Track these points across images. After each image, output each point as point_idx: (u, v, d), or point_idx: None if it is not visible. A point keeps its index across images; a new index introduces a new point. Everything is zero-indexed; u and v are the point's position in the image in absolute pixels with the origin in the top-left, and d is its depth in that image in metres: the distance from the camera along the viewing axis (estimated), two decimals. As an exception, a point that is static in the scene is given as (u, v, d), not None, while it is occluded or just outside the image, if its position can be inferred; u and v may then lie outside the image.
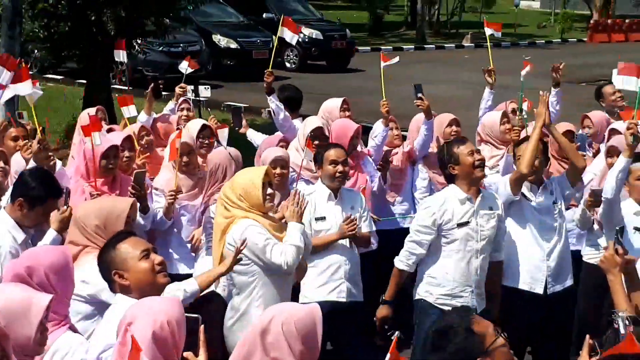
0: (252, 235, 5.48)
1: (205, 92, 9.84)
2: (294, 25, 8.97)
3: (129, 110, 8.57)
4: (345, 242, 6.61)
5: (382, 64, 8.92)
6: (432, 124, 8.01)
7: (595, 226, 7.03)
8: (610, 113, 8.93)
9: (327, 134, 7.60)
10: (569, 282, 6.80)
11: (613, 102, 9.09)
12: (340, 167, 6.59)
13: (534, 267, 6.62)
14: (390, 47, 33.11)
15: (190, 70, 9.43)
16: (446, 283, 6.28)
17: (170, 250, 6.97)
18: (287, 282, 5.75)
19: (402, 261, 6.35)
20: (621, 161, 6.42)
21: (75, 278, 4.53)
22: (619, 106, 8.97)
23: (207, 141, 7.60)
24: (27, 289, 3.97)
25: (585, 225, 7.03)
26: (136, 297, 4.19)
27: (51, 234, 5.72)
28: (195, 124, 7.69)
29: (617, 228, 5.09)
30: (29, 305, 3.81)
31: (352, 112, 8.46)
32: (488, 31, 9.63)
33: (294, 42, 9.12)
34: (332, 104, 8.42)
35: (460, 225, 6.20)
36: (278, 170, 6.90)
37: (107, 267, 4.37)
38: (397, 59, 8.99)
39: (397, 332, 4.05)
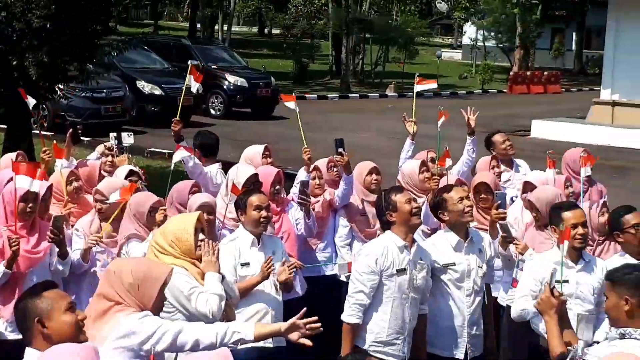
0: (178, 282, 5.40)
1: (128, 139, 9.72)
2: (197, 73, 8.96)
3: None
4: (271, 288, 6.59)
5: (288, 104, 9.08)
6: (351, 179, 8.02)
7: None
8: (502, 161, 9.19)
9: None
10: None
11: (504, 150, 9.31)
12: (264, 213, 6.58)
13: (455, 334, 6.58)
14: (315, 96, 33.41)
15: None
16: (380, 330, 6.27)
17: (82, 296, 6.84)
18: None
19: (351, 315, 6.24)
20: None
21: (117, 333, 4.53)
22: (510, 154, 9.31)
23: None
24: None
25: (509, 265, 7.08)
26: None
27: None
28: (123, 170, 7.69)
29: (552, 270, 5.16)
30: None
31: (273, 158, 8.49)
32: (417, 87, 9.74)
33: (195, 91, 9.08)
34: (254, 150, 8.46)
35: (399, 271, 6.21)
36: (205, 217, 6.87)
37: (29, 315, 4.24)
38: (294, 104, 9.10)
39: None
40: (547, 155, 8.34)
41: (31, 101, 9.30)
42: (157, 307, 4.89)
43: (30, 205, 6.55)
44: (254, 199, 6.63)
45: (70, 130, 9.18)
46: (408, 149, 9.16)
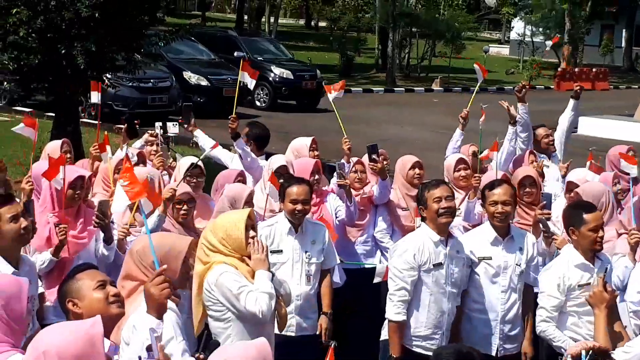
0: (227, 281, 5.38)
1: (173, 128, 9.76)
2: (252, 69, 8.93)
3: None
4: (300, 279, 6.64)
5: (329, 95, 9.10)
6: (386, 183, 8.00)
7: None
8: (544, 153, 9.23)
9: (291, 172, 7.65)
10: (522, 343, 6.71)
11: (546, 144, 9.35)
12: (299, 206, 6.60)
13: (488, 329, 6.57)
14: (361, 89, 33.35)
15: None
16: (418, 325, 6.28)
17: None
18: (266, 331, 5.45)
19: (397, 313, 6.22)
20: None
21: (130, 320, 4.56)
22: (552, 151, 9.34)
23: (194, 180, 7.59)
24: None
25: (548, 258, 7.03)
26: None
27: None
28: (185, 162, 7.72)
29: (608, 266, 5.17)
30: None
31: (319, 151, 8.51)
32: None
33: (251, 87, 9.08)
34: (301, 143, 8.49)
35: (436, 266, 6.22)
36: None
37: (63, 296, 4.36)
38: (342, 92, 9.17)
39: (333, 342, 4.10)
40: (589, 151, 8.30)
41: (93, 95, 9.29)
42: (183, 279, 4.99)
43: (78, 192, 6.66)
44: (292, 191, 6.65)
45: (126, 124, 9.23)
46: (457, 139, 9.22)
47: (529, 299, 6.72)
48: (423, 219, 6.43)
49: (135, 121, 9.54)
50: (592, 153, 8.28)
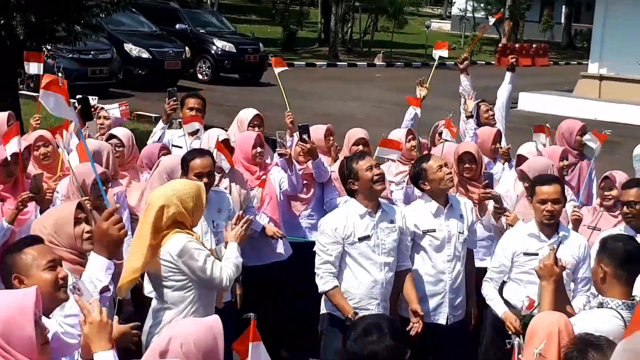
0: (192, 250, 5.40)
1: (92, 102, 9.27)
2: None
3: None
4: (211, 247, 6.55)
5: (275, 69, 9.13)
6: (318, 163, 7.95)
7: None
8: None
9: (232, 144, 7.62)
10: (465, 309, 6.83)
11: (486, 119, 9.44)
12: (205, 179, 6.40)
13: (437, 299, 6.64)
14: (303, 63, 33.32)
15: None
16: (352, 297, 6.29)
17: None
18: (213, 298, 5.68)
19: (325, 282, 6.25)
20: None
21: None
22: (492, 124, 9.37)
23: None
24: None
25: (500, 236, 7.10)
26: None
27: None
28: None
29: (559, 237, 5.24)
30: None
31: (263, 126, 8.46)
32: (436, 53, 9.85)
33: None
34: (245, 115, 8.42)
35: (361, 239, 6.23)
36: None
37: (8, 270, 4.17)
38: (286, 67, 9.28)
39: (252, 314, 4.10)
40: (545, 126, 8.45)
41: (32, 66, 9.09)
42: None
43: (12, 168, 6.62)
44: (196, 164, 6.49)
45: (79, 106, 8.69)
46: (411, 114, 9.26)
47: (471, 263, 6.87)
48: (350, 193, 6.41)
49: (93, 102, 8.84)
50: (546, 128, 8.39)
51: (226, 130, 8.25)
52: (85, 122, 8.52)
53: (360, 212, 6.28)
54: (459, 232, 6.61)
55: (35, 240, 4.36)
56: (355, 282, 6.29)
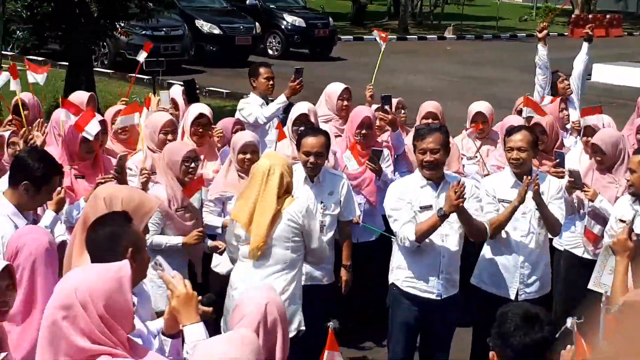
0: (312, 213, 6.13)
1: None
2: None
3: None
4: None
5: (381, 43, 9.13)
6: (398, 134, 7.99)
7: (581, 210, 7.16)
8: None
9: (312, 120, 7.63)
10: (545, 290, 6.76)
11: (562, 89, 9.50)
12: (311, 158, 6.60)
13: (507, 273, 6.62)
14: (373, 37, 33.18)
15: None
16: (412, 267, 6.30)
17: None
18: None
19: (410, 233, 6.15)
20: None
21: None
22: (568, 94, 9.49)
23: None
24: None
25: (570, 210, 7.08)
26: None
27: (50, 214, 5.84)
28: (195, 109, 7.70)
29: (635, 213, 5.21)
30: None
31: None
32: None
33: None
34: (333, 89, 8.47)
35: (422, 208, 6.20)
36: (248, 156, 6.99)
37: (121, 240, 4.06)
38: (380, 40, 9.24)
39: (331, 323, 4.13)
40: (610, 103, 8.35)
41: (142, 55, 9.22)
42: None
43: (90, 144, 6.71)
44: (306, 142, 6.62)
45: (184, 88, 8.83)
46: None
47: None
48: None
49: (197, 84, 9.00)
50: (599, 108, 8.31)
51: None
52: (190, 102, 8.56)
53: (421, 183, 6.28)
54: (536, 209, 6.53)
55: (130, 217, 4.30)
56: (416, 252, 6.25)
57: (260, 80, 8.81)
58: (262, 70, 8.90)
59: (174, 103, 8.44)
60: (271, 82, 8.82)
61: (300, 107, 7.72)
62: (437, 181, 6.25)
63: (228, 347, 3.29)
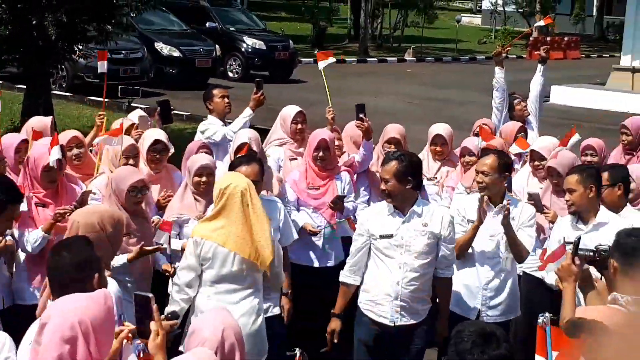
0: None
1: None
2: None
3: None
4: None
5: (320, 64, 9.05)
6: (371, 145, 8.03)
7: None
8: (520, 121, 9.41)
9: (254, 148, 7.44)
10: (510, 314, 6.75)
11: (520, 111, 9.63)
12: (204, 178, 6.72)
13: (470, 294, 6.65)
14: (334, 59, 33.26)
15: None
16: (371, 289, 6.32)
17: None
18: None
19: (344, 277, 6.43)
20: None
21: None
22: (525, 116, 9.61)
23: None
24: None
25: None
26: None
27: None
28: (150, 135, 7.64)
29: (575, 238, 5.18)
30: None
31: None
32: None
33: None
34: (286, 112, 8.39)
35: (382, 237, 6.20)
36: (204, 179, 6.94)
37: (89, 268, 4.17)
38: (333, 59, 9.15)
39: (297, 350, 4.12)
40: (572, 125, 8.39)
41: (101, 65, 9.05)
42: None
43: (52, 173, 6.57)
44: (241, 171, 6.35)
45: (159, 108, 8.83)
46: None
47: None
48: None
49: (172, 107, 9.01)
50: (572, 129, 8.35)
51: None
52: (164, 124, 8.64)
53: (388, 211, 6.27)
54: (503, 233, 6.55)
55: (89, 240, 4.42)
56: (375, 276, 6.32)
57: (216, 101, 8.73)
58: (215, 91, 8.84)
59: (134, 127, 8.33)
60: (227, 100, 8.75)
61: (241, 136, 7.54)
62: (402, 210, 6.24)
63: None
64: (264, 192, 6.92)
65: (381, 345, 6.39)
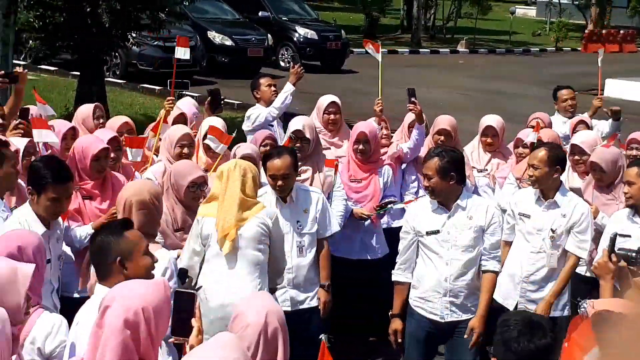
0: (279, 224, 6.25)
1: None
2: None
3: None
4: (292, 249, 6.54)
5: (375, 54, 9.05)
6: (423, 129, 8.02)
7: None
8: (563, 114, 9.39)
9: (307, 135, 7.49)
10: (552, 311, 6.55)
11: (563, 106, 9.50)
12: (279, 182, 6.45)
13: (511, 284, 6.59)
14: (386, 50, 33.14)
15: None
16: (419, 286, 6.33)
17: None
18: None
19: (395, 275, 6.45)
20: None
21: None
22: (570, 112, 9.41)
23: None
24: (11, 261, 4.05)
25: None
26: None
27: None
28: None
29: (611, 235, 5.12)
30: (15, 274, 3.91)
31: (342, 112, 8.45)
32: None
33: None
34: (320, 102, 8.45)
35: (428, 233, 6.20)
36: (185, 150, 7.16)
37: (110, 253, 4.27)
38: (379, 55, 9.19)
39: (324, 336, 4.11)
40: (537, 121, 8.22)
41: (181, 51, 8.80)
42: None
43: (103, 163, 6.49)
44: (272, 165, 6.46)
45: (209, 97, 8.92)
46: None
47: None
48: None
49: (222, 96, 9.06)
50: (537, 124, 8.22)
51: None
52: (214, 112, 8.67)
53: (433, 206, 6.27)
54: (551, 229, 6.47)
55: (130, 224, 4.51)
56: (424, 273, 6.36)
57: (263, 89, 8.84)
58: (262, 80, 8.96)
59: (182, 116, 8.34)
60: (273, 89, 8.84)
61: (296, 123, 7.59)
62: (447, 205, 6.22)
63: (222, 351, 3.28)
64: (301, 183, 7.01)
65: (433, 341, 6.40)
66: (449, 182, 6.12)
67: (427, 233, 6.21)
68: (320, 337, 4.16)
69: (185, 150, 7.25)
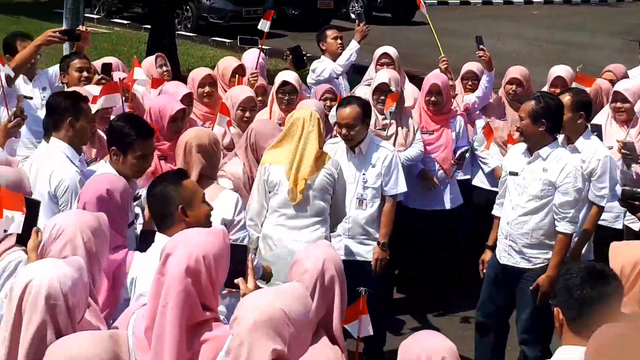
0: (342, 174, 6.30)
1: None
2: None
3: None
4: (352, 200, 6.51)
5: (423, 9, 9.00)
6: (492, 76, 8.04)
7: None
8: None
9: (393, 88, 7.37)
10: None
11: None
12: (344, 130, 6.44)
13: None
14: (457, 1, 32.73)
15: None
16: (498, 228, 6.44)
17: None
18: None
19: (496, 208, 6.63)
20: None
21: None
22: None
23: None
24: (88, 213, 4.24)
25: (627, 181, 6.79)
26: None
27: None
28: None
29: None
30: (98, 222, 4.07)
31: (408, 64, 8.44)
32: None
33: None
34: (376, 53, 8.45)
35: (511, 173, 6.30)
36: (247, 114, 7.12)
37: (171, 201, 4.35)
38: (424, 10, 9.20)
39: (363, 289, 4.15)
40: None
41: (267, 25, 8.87)
42: None
43: (180, 124, 6.37)
44: (340, 114, 6.50)
45: (291, 55, 8.92)
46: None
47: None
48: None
49: (304, 51, 9.06)
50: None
51: None
52: (298, 70, 8.65)
53: (521, 149, 6.34)
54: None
55: (185, 174, 4.63)
56: (501, 215, 6.47)
57: (329, 41, 8.81)
58: (329, 32, 8.95)
59: (241, 68, 8.25)
60: (339, 41, 8.81)
61: (381, 76, 7.51)
62: (532, 151, 6.21)
63: (274, 297, 3.31)
64: (387, 138, 7.08)
65: (502, 284, 6.47)
66: (538, 128, 6.10)
67: (510, 173, 6.32)
68: (359, 289, 4.18)
69: (247, 113, 7.17)
